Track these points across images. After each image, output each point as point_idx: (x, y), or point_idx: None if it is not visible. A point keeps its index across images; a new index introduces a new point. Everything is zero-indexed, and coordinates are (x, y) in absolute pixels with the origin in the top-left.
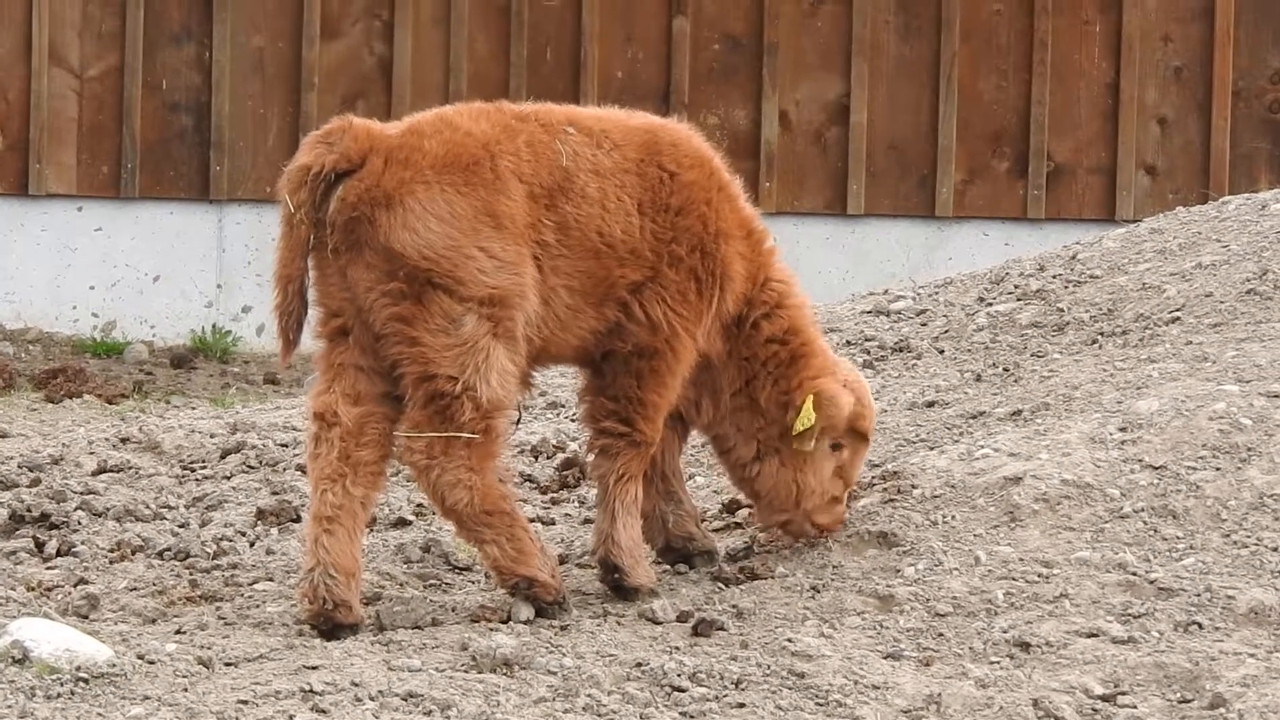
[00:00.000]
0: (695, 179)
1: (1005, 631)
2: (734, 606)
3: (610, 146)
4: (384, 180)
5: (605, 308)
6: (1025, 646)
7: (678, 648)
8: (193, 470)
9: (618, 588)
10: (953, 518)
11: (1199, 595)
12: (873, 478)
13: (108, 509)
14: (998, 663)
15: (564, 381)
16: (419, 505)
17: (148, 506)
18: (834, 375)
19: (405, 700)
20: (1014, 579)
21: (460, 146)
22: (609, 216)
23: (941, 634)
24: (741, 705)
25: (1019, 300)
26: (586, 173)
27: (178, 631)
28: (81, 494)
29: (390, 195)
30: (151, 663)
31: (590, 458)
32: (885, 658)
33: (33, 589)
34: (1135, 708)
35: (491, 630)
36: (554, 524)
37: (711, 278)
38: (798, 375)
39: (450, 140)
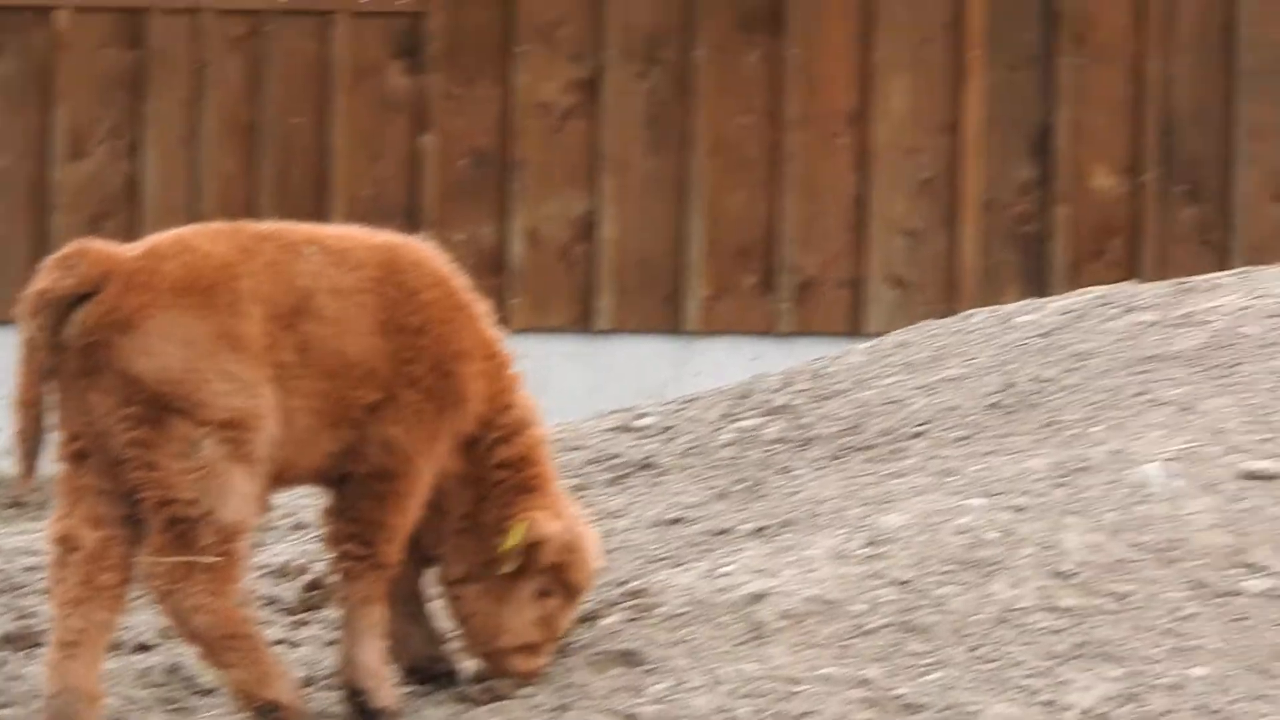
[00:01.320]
0: (435, 298)
1: None
2: None
3: (351, 265)
4: (122, 304)
5: (342, 429)
6: None
7: None
8: None
9: (362, 710)
10: (697, 635)
11: (943, 711)
12: (617, 596)
13: None
14: None
15: (309, 502)
16: (163, 629)
17: None
18: (556, 514)
19: None
20: (759, 696)
21: (199, 269)
22: (347, 337)
23: None
24: None
25: (765, 415)
26: (326, 292)
27: None
28: None
29: (128, 319)
30: None
31: (334, 580)
32: None
33: None
34: None
35: None
36: (299, 646)
37: (450, 399)
38: (520, 505)
39: (189, 263)
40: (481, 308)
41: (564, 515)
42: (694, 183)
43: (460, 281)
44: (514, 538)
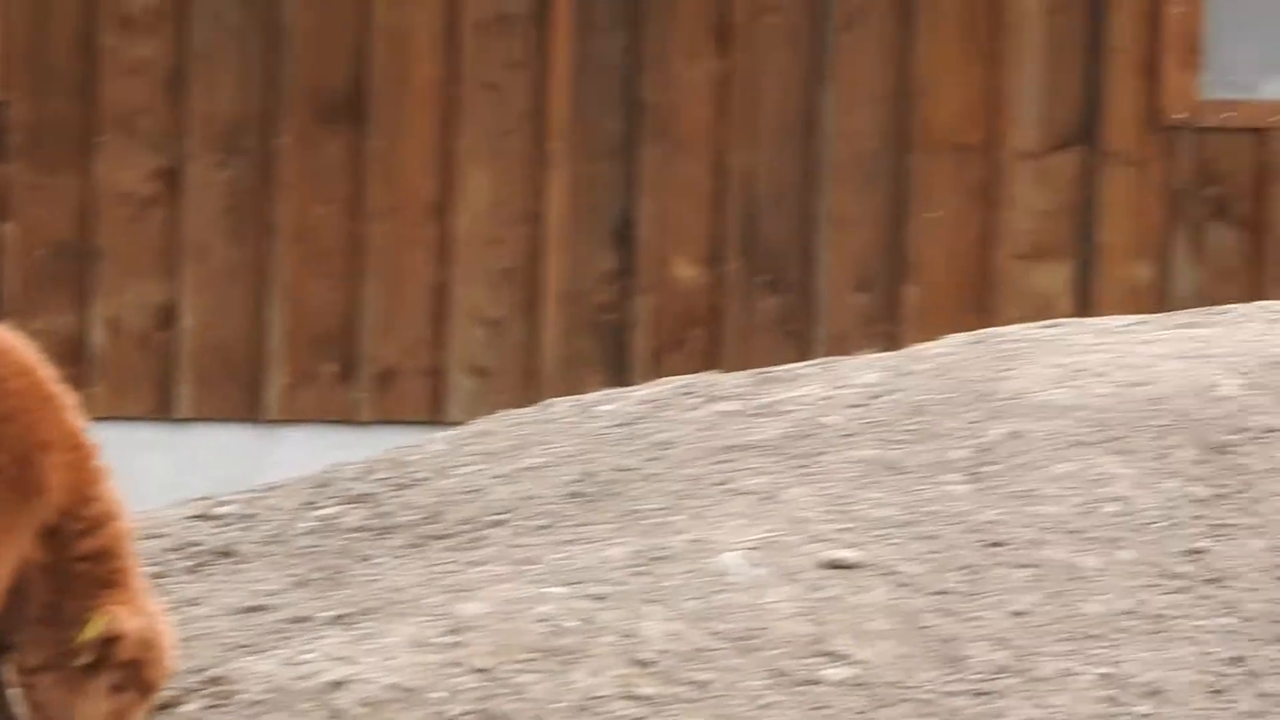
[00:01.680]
0: (20, 388)
1: None
2: None
3: None
4: None
5: None
6: None
7: None
8: None
9: None
10: None
11: None
12: (196, 683)
13: None
14: None
15: None
16: None
17: None
18: (136, 610)
19: None
20: None
21: None
22: None
23: None
24: None
25: (345, 504)
26: None
27: None
28: None
29: None
30: None
31: None
32: None
33: None
34: None
35: None
36: None
37: (32, 489)
38: (101, 598)
39: None
40: (69, 399)
41: (144, 611)
42: (274, 271)
43: (47, 372)
44: (91, 630)
